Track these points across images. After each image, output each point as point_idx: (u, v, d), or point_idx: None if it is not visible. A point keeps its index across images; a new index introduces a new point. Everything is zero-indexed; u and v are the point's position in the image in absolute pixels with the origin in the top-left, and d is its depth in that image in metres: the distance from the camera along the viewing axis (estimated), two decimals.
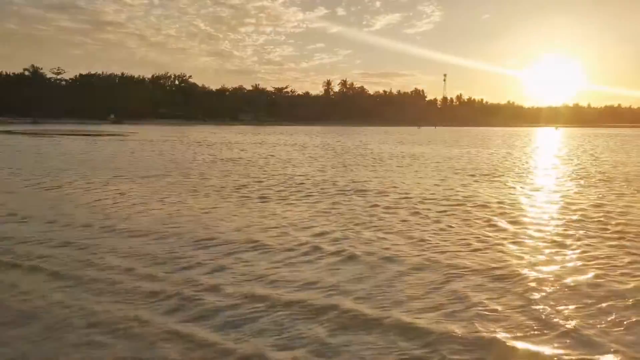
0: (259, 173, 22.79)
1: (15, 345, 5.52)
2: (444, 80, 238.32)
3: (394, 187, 18.35)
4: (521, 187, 18.62)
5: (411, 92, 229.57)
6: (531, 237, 10.56)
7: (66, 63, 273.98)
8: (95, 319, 6.13)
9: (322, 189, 17.70)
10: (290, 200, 15.14)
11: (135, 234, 10.51)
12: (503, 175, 22.93)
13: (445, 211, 13.37)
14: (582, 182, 20.50)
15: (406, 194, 16.58)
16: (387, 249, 9.45)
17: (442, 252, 9.21)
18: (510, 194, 16.95)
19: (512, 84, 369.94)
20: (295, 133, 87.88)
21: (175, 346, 5.51)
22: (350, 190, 17.32)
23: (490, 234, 10.74)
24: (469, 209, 13.80)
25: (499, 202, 14.90)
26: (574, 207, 14.03)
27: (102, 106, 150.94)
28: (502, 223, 11.89)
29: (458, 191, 17.26)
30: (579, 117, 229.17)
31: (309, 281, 7.59)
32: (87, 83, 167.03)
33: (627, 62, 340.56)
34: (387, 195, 16.14)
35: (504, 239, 10.34)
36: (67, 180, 19.36)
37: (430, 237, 10.47)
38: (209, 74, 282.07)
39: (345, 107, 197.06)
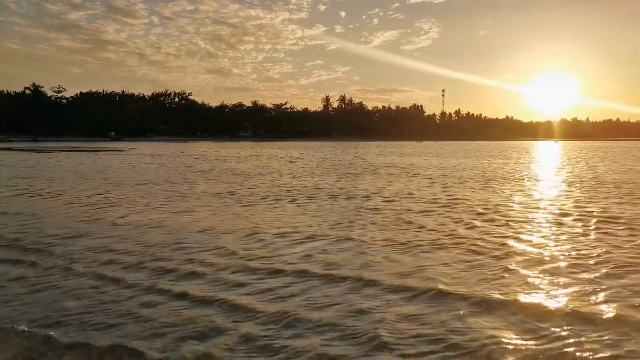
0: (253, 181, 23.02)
1: None
2: (443, 95, 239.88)
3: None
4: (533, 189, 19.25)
5: (410, 107, 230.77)
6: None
7: (67, 82, 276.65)
8: None
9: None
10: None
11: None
12: (521, 179, 23.87)
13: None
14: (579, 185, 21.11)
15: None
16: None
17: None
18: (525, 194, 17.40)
19: (509, 99, 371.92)
20: (294, 148, 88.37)
21: None
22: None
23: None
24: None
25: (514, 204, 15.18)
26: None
27: (102, 124, 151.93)
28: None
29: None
30: (577, 130, 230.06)
31: None
32: (88, 101, 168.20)
33: (620, 79, 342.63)
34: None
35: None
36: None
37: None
38: (208, 91, 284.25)
39: (344, 122, 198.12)
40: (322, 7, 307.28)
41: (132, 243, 9.53)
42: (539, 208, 14.03)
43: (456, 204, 15.01)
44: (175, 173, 27.80)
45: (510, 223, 11.61)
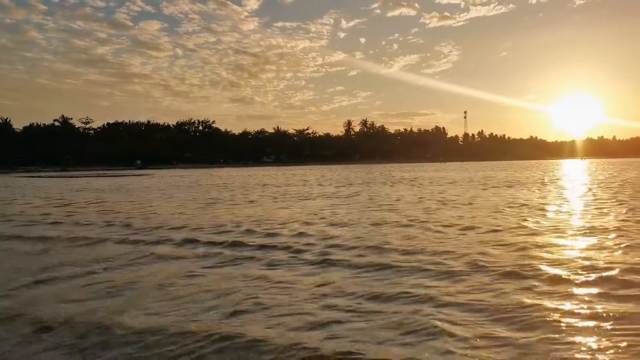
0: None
1: None
2: (465, 117, 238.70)
3: None
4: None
5: (432, 129, 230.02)
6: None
7: (95, 114, 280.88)
8: None
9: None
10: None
11: None
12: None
13: None
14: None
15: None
16: None
17: None
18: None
19: (533, 120, 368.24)
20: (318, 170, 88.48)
21: None
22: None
23: None
24: None
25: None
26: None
27: (128, 153, 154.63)
28: None
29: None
30: (604, 149, 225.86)
31: None
32: (114, 131, 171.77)
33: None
34: None
35: None
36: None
37: None
38: (231, 119, 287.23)
39: (366, 146, 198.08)
40: (341, 35, 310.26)
41: None
42: None
43: None
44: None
45: None
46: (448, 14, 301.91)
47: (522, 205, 18.91)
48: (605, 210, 16.82)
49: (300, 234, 12.69)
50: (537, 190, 27.49)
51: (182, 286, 7.71)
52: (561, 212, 16.96)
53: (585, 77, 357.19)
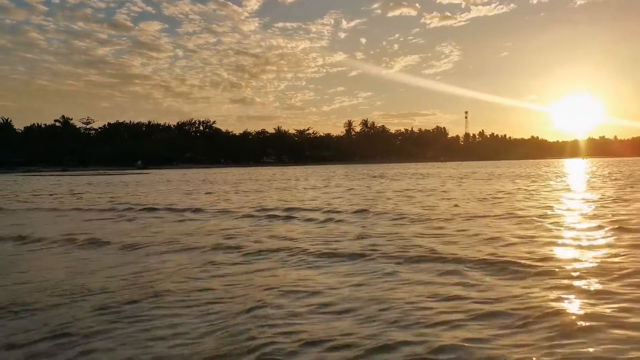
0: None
1: None
2: (466, 117, 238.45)
3: None
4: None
5: (432, 129, 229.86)
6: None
7: (96, 115, 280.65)
8: None
9: None
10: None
11: None
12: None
13: None
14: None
15: None
16: None
17: None
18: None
19: (534, 120, 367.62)
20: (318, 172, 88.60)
21: None
22: None
23: None
24: None
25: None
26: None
27: (129, 153, 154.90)
28: None
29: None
30: (605, 149, 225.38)
31: None
32: (115, 132, 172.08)
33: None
34: None
35: None
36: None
37: None
38: (232, 120, 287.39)
39: (367, 146, 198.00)
40: (342, 35, 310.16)
41: None
42: None
43: None
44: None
45: None
46: (449, 14, 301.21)
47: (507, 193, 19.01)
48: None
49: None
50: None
51: None
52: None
53: (587, 77, 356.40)
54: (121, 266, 8.20)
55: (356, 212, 15.69)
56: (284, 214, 15.86)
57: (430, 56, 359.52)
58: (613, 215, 13.24)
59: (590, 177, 36.13)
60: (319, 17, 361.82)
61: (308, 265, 7.98)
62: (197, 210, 17.63)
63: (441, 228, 11.64)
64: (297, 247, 9.42)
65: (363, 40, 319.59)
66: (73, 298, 6.26)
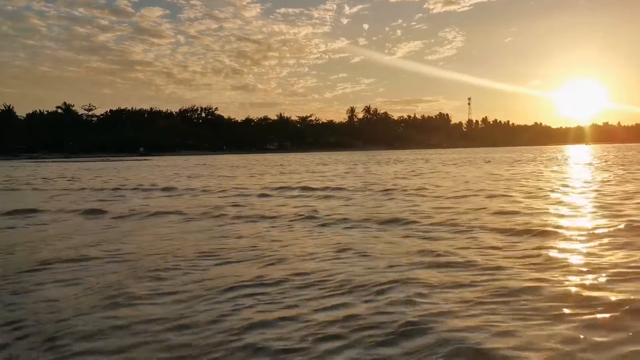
0: None
1: None
2: (469, 103, 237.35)
3: None
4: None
5: (435, 116, 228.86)
6: None
7: (97, 102, 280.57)
8: None
9: None
10: None
11: None
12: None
13: None
14: None
15: None
16: None
17: None
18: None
19: (537, 106, 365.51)
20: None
21: None
22: None
23: None
24: None
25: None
26: None
27: (131, 140, 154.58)
28: None
29: None
30: (609, 135, 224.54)
31: None
32: (117, 119, 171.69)
33: None
34: None
35: None
36: None
37: None
38: (234, 107, 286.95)
39: (370, 133, 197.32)
40: (345, 21, 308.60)
41: None
42: None
43: None
44: None
45: None
46: None
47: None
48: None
49: None
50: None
51: None
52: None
53: (590, 63, 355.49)
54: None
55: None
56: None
57: (434, 42, 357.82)
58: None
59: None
60: (321, 2, 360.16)
61: None
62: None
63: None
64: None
65: (366, 26, 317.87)
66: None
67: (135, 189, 21.35)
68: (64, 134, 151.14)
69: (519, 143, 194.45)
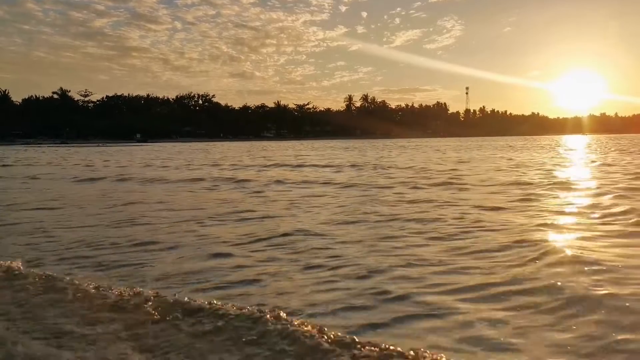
0: None
1: None
2: (467, 93, 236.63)
3: None
4: None
5: (433, 105, 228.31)
6: None
7: (94, 88, 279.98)
8: None
9: None
10: None
11: None
12: None
13: None
14: None
15: None
16: None
17: None
18: None
19: (535, 97, 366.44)
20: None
21: None
22: None
23: None
24: None
25: None
26: None
27: (128, 127, 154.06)
28: None
29: None
30: (606, 126, 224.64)
31: None
32: (114, 105, 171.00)
33: None
34: None
35: None
36: None
37: None
38: (231, 94, 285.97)
39: (367, 121, 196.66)
40: (343, 8, 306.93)
41: None
42: None
43: None
44: None
45: None
46: None
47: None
48: None
49: None
50: None
51: None
52: None
53: (588, 53, 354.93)
54: None
55: None
56: None
57: (432, 30, 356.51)
58: None
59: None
60: None
61: None
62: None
63: None
64: None
65: (364, 14, 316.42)
66: None
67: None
68: (59, 119, 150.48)
69: (516, 133, 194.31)
